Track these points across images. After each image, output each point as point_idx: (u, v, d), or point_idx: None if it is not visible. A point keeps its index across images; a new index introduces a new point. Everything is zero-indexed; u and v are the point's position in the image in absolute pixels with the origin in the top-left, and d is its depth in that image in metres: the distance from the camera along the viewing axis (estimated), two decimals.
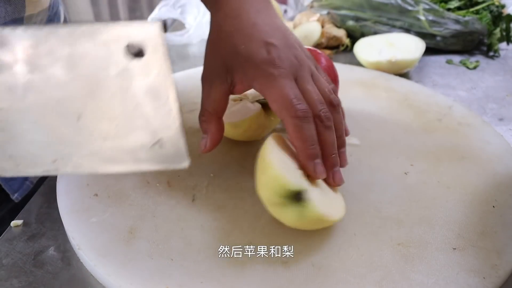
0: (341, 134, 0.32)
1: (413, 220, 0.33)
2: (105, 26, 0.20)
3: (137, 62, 0.21)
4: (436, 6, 0.61)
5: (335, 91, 0.34)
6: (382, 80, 0.52)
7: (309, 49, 0.43)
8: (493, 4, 0.63)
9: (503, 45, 0.63)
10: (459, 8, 0.64)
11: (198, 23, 0.64)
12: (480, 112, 0.48)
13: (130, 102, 0.23)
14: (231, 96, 0.35)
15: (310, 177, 0.30)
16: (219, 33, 0.32)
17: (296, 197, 0.28)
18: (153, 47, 0.20)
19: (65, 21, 0.48)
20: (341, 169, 0.33)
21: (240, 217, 0.33)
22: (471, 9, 0.63)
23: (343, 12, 0.64)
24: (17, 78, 0.22)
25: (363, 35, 0.62)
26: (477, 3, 0.64)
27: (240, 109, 0.38)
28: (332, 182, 0.31)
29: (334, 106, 0.32)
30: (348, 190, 0.36)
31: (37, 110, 0.23)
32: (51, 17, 0.42)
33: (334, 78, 0.43)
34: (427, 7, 0.61)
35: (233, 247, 0.30)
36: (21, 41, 0.21)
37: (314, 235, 0.32)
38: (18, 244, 0.32)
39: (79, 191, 0.35)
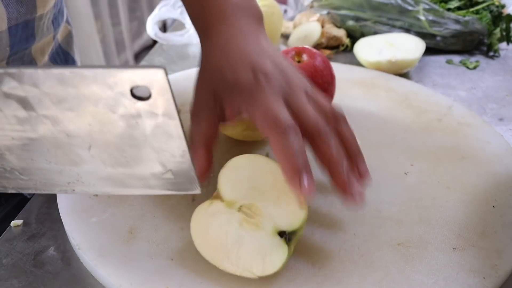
0: (352, 147, 0.30)
1: (413, 220, 0.33)
2: (110, 70, 0.21)
3: (143, 104, 0.22)
4: (436, 6, 0.61)
5: (340, 114, 0.31)
6: (382, 80, 0.52)
7: (303, 48, 0.43)
8: (493, 4, 0.63)
9: (503, 45, 0.63)
10: (459, 8, 0.64)
11: None
12: (480, 112, 0.48)
13: (139, 136, 0.23)
14: None
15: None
16: (207, 63, 0.32)
17: None
18: (158, 90, 0.21)
19: (67, 17, 0.48)
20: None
21: None
22: (471, 9, 0.63)
23: (343, 12, 0.64)
24: (28, 112, 0.23)
25: (363, 35, 0.62)
26: (477, 3, 0.64)
27: None
28: (353, 202, 0.28)
29: (338, 119, 0.30)
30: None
31: (49, 140, 0.24)
32: (56, 15, 0.43)
33: (331, 78, 0.43)
34: (427, 7, 0.61)
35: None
36: (31, 79, 0.21)
37: (314, 236, 0.32)
38: (18, 244, 0.32)
39: None
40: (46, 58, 0.43)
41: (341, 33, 0.63)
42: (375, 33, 0.62)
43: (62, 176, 0.26)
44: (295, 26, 0.67)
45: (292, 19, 0.72)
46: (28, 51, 0.40)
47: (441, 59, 0.60)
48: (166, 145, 0.24)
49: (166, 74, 0.20)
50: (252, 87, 0.29)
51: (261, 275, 0.27)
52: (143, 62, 0.61)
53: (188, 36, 0.64)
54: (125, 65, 0.22)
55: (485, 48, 0.63)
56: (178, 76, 0.52)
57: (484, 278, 0.28)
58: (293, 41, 0.64)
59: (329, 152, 0.28)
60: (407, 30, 0.61)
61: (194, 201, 0.35)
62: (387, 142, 0.41)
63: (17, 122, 0.23)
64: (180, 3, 0.64)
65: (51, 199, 0.36)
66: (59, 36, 0.46)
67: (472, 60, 0.60)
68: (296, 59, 0.43)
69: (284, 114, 0.28)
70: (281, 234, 0.27)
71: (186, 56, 0.63)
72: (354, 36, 0.64)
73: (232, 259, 0.27)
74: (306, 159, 0.27)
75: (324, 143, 0.28)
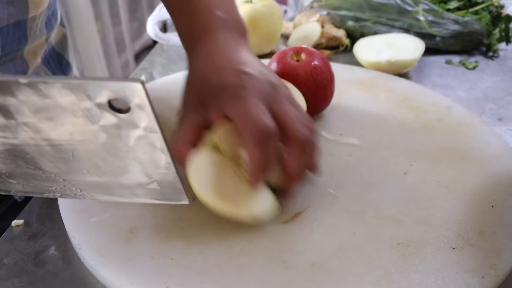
0: (314, 161, 0.33)
1: (412, 220, 0.33)
2: (87, 82, 0.20)
3: (123, 117, 0.21)
4: (435, 7, 0.61)
5: (313, 126, 0.33)
6: (381, 80, 0.52)
7: (301, 48, 0.44)
8: (492, 4, 0.63)
9: (502, 45, 0.64)
10: (458, 9, 0.64)
11: None
12: (479, 112, 0.49)
13: (122, 147, 0.23)
14: None
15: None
16: (194, 72, 0.33)
17: None
18: (137, 104, 0.20)
19: (61, 20, 0.48)
20: (341, 168, 0.34)
21: None
22: (470, 10, 0.63)
23: (342, 12, 0.64)
24: (8, 120, 0.22)
25: (362, 35, 0.62)
26: (476, 4, 0.64)
27: None
28: (290, 196, 0.33)
29: (311, 130, 0.32)
30: (347, 190, 0.36)
31: (32, 147, 0.23)
32: (49, 17, 0.43)
33: (330, 75, 0.43)
34: (426, 7, 0.61)
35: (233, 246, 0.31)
36: (8, 88, 0.21)
37: (314, 235, 0.32)
38: (19, 243, 0.32)
39: None
40: (39, 60, 0.43)
41: (340, 33, 0.63)
42: (374, 33, 0.62)
43: (48, 182, 0.26)
44: (295, 27, 0.67)
45: (292, 19, 0.72)
46: (20, 53, 0.39)
47: (440, 59, 0.60)
48: (150, 156, 0.23)
49: (144, 88, 0.20)
50: (237, 89, 0.30)
51: (257, 216, 0.30)
52: (143, 63, 0.61)
53: None
54: (103, 77, 0.21)
55: (484, 49, 0.63)
56: (177, 76, 0.52)
57: (483, 277, 0.28)
58: (293, 42, 0.64)
59: (301, 162, 0.31)
60: (407, 31, 0.61)
61: (194, 201, 0.35)
62: (386, 142, 0.42)
63: (1, 129, 0.23)
64: None
65: (52, 199, 0.36)
66: (53, 38, 0.46)
67: (471, 60, 0.60)
68: (295, 58, 0.43)
69: (265, 119, 0.29)
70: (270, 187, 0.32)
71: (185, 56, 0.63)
72: (353, 37, 0.64)
73: (231, 201, 0.30)
74: (271, 164, 0.30)
75: (300, 151, 0.31)
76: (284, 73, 0.42)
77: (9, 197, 0.43)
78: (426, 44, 0.58)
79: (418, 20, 0.61)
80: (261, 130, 0.28)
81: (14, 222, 0.34)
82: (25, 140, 0.23)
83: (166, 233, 0.32)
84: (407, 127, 0.44)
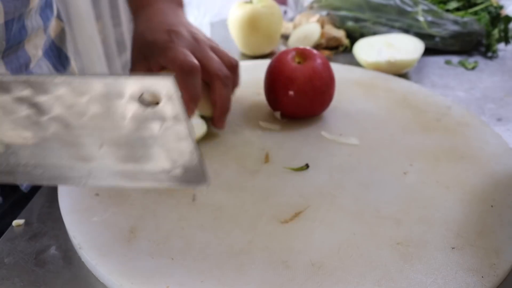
0: (233, 87, 0.41)
1: (412, 219, 0.33)
2: (120, 79, 0.22)
3: (152, 110, 0.23)
4: (434, 7, 0.61)
5: (235, 63, 0.41)
6: (381, 80, 0.52)
7: (304, 49, 0.44)
8: (491, 5, 0.63)
9: (501, 45, 0.64)
10: (457, 9, 0.65)
11: (198, 24, 0.64)
12: (478, 113, 0.49)
13: (148, 137, 0.25)
14: None
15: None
16: (136, 35, 0.41)
17: None
18: (167, 97, 0.22)
19: (59, 13, 0.49)
20: (341, 168, 0.36)
21: (240, 217, 0.33)
22: (470, 10, 0.64)
23: (342, 13, 0.64)
24: (40, 116, 0.24)
25: (362, 35, 0.62)
26: (476, 4, 0.64)
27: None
28: (220, 125, 0.41)
29: (234, 66, 0.40)
30: (347, 189, 0.36)
31: (61, 140, 0.25)
32: (43, 7, 0.44)
33: (329, 80, 0.43)
34: (426, 8, 0.61)
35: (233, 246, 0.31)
36: (42, 86, 0.23)
37: (314, 235, 0.32)
38: (20, 243, 0.33)
39: (80, 191, 0.35)
40: (40, 53, 0.44)
41: (340, 33, 0.63)
42: (374, 33, 0.62)
43: (73, 171, 0.27)
44: (295, 27, 0.67)
45: (292, 20, 0.72)
46: (21, 45, 0.40)
47: (439, 59, 0.60)
48: (175, 145, 0.25)
49: (175, 82, 0.22)
50: (166, 43, 0.38)
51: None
52: None
53: None
54: (135, 74, 0.23)
55: (483, 49, 0.63)
56: None
57: (482, 277, 0.29)
58: (293, 42, 0.64)
59: (223, 93, 0.39)
60: (406, 31, 0.61)
61: (194, 201, 0.35)
62: (386, 142, 0.42)
63: (30, 124, 0.25)
64: None
65: (53, 198, 0.36)
66: (52, 32, 0.47)
67: (471, 60, 0.60)
68: (297, 59, 0.43)
69: (190, 58, 0.37)
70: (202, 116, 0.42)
71: None
72: (353, 37, 0.64)
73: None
74: (200, 94, 0.38)
75: (219, 87, 0.39)
76: (283, 74, 0.42)
77: (11, 195, 0.43)
78: (425, 44, 0.59)
79: (417, 20, 0.61)
80: (188, 65, 0.36)
81: (15, 222, 0.34)
82: (55, 133, 0.25)
83: (166, 233, 0.32)
84: (407, 127, 0.44)
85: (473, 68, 0.58)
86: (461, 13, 0.63)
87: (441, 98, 0.48)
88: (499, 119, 0.48)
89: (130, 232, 0.32)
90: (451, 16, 0.61)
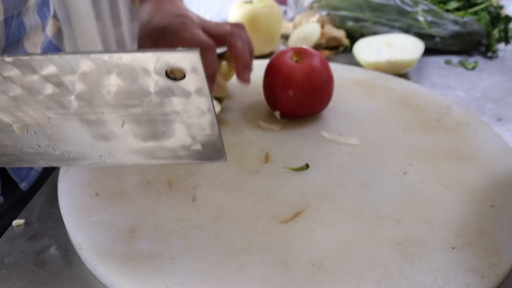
0: (250, 47, 0.44)
1: (412, 219, 0.33)
2: (147, 54, 0.22)
3: (177, 84, 0.24)
4: (434, 7, 0.61)
5: (241, 24, 0.44)
6: (381, 80, 0.52)
7: (301, 48, 0.44)
8: (491, 5, 0.63)
9: (501, 45, 0.64)
10: (457, 9, 0.65)
11: None
12: (478, 112, 0.49)
13: (170, 112, 0.25)
14: None
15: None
16: (144, 22, 0.43)
17: None
18: (192, 70, 0.23)
19: (55, 13, 0.49)
20: (341, 168, 0.36)
21: (240, 217, 0.33)
22: (470, 10, 0.64)
23: (342, 13, 0.64)
24: (65, 95, 0.24)
25: (362, 35, 0.62)
26: (476, 4, 0.64)
27: None
28: (243, 78, 0.43)
29: (239, 26, 0.43)
30: (347, 189, 0.36)
31: (84, 118, 0.26)
32: (40, 6, 0.44)
33: (328, 78, 0.43)
34: (426, 8, 0.61)
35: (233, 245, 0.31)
36: (69, 64, 0.23)
37: (314, 235, 0.32)
38: (20, 243, 0.33)
39: (80, 191, 0.35)
40: (39, 51, 0.44)
41: (340, 33, 0.63)
42: (374, 33, 0.62)
43: (94, 149, 0.27)
44: (295, 27, 0.67)
45: (292, 20, 0.72)
46: (21, 43, 0.40)
47: (439, 59, 0.60)
48: (197, 119, 0.25)
49: (201, 56, 0.22)
50: (180, 26, 0.41)
51: None
52: None
53: None
54: (163, 49, 0.23)
55: (483, 49, 0.63)
56: None
57: (482, 277, 0.29)
58: (293, 42, 0.64)
59: (240, 46, 0.42)
60: (406, 31, 0.61)
61: (194, 201, 0.35)
62: (386, 142, 0.42)
63: (54, 103, 0.25)
64: None
65: (53, 198, 0.36)
66: (49, 31, 0.47)
67: (471, 60, 0.60)
68: (294, 58, 0.43)
69: (206, 37, 0.41)
70: (216, 98, 0.44)
71: None
72: (353, 37, 0.64)
73: None
74: (216, 71, 0.42)
75: (235, 41, 0.42)
76: (281, 73, 0.42)
77: (11, 194, 0.43)
78: (425, 44, 0.59)
79: (417, 20, 0.61)
80: (205, 43, 0.40)
81: (15, 222, 0.34)
82: (79, 113, 0.25)
83: (166, 232, 0.32)
84: (407, 127, 0.44)
85: (473, 68, 0.58)
86: (461, 13, 0.63)
87: (441, 98, 0.48)
88: (499, 119, 0.48)
89: (130, 232, 0.32)
90: (451, 16, 0.61)
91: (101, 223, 0.33)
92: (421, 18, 0.61)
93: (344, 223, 0.33)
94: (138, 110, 0.25)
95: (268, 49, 0.62)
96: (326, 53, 0.62)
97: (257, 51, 0.62)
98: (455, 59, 0.60)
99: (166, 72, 0.23)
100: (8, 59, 0.23)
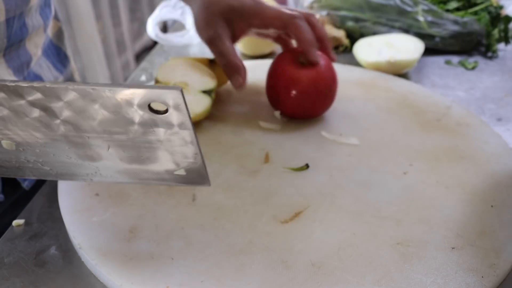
0: (321, 32, 0.44)
1: (412, 219, 0.33)
2: (130, 90, 0.23)
3: (160, 117, 0.24)
4: (434, 7, 0.61)
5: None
6: (381, 80, 0.52)
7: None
8: (491, 5, 0.63)
9: (501, 45, 0.64)
10: (457, 9, 0.64)
11: None
12: (478, 112, 0.49)
13: (154, 141, 0.26)
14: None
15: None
16: (212, 3, 0.42)
17: None
18: (174, 106, 0.24)
19: (56, 13, 0.49)
20: (341, 168, 0.36)
21: (240, 217, 0.33)
22: (470, 10, 0.64)
23: (342, 13, 0.64)
24: (51, 118, 0.25)
25: (362, 35, 0.62)
26: (476, 4, 0.64)
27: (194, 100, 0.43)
28: (312, 57, 0.41)
29: (310, 14, 0.44)
30: (347, 189, 0.36)
31: (70, 141, 0.26)
32: (43, 7, 0.44)
33: (333, 80, 0.43)
34: (426, 8, 0.61)
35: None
36: (55, 93, 0.24)
37: (314, 235, 0.32)
38: (20, 243, 0.33)
39: (80, 191, 0.35)
40: (40, 52, 0.44)
41: (340, 33, 0.63)
42: (374, 33, 0.62)
43: (81, 168, 0.28)
44: None
45: None
46: (23, 43, 0.41)
47: (439, 59, 0.60)
48: (180, 148, 0.26)
49: (182, 93, 0.23)
50: (258, 6, 0.42)
51: (197, 111, 0.42)
52: (144, 63, 0.61)
53: (189, 37, 0.64)
54: (147, 85, 0.24)
55: (483, 49, 0.63)
56: None
57: (482, 277, 0.29)
58: (293, 42, 0.64)
59: (317, 27, 0.43)
60: (406, 31, 0.61)
61: (194, 201, 0.35)
62: (386, 142, 0.42)
63: (41, 125, 0.26)
64: (181, 4, 0.64)
65: (53, 198, 0.36)
66: (50, 32, 0.47)
67: (471, 60, 0.60)
68: (301, 59, 0.43)
69: (287, 12, 0.42)
70: (204, 92, 0.43)
71: (186, 56, 0.63)
72: (353, 37, 0.64)
73: None
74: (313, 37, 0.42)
75: (299, 22, 0.42)
76: (286, 74, 0.42)
77: (11, 193, 0.43)
78: (425, 44, 0.59)
79: (417, 20, 0.61)
80: (294, 15, 0.41)
81: (15, 222, 0.34)
82: (64, 135, 0.26)
83: (166, 233, 0.32)
84: (407, 127, 0.44)
85: (473, 68, 0.58)
86: (461, 13, 0.63)
87: (441, 98, 0.48)
88: (499, 119, 0.48)
89: (130, 232, 0.32)
90: (451, 16, 0.61)
91: (101, 223, 0.33)
92: (421, 18, 0.61)
93: (344, 223, 0.33)
94: (122, 136, 0.26)
95: (268, 49, 0.62)
96: None
97: (257, 51, 0.62)
98: (455, 59, 0.60)
99: (149, 105, 0.24)
100: None
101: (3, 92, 0.24)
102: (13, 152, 0.27)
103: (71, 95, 0.24)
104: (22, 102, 0.24)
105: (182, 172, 0.28)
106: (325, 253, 0.30)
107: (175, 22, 0.78)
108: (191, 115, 0.42)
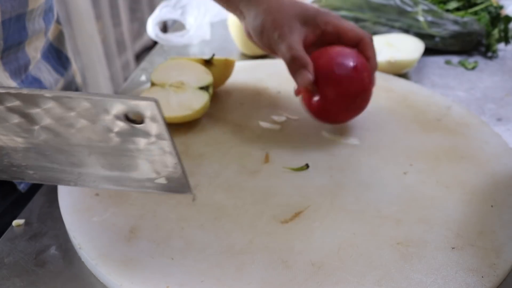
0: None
1: (412, 219, 0.33)
2: (107, 99, 0.23)
3: (137, 126, 0.24)
4: (434, 7, 0.61)
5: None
6: (381, 80, 0.52)
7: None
8: (491, 5, 0.63)
9: (501, 45, 0.64)
10: (457, 9, 0.64)
11: (198, 24, 0.64)
12: (478, 112, 0.49)
13: (134, 149, 0.26)
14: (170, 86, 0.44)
15: None
16: (286, 5, 0.41)
17: None
18: (151, 117, 0.23)
19: (58, 17, 0.49)
20: (341, 168, 0.35)
21: (240, 217, 0.33)
22: (470, 10, 0.64)
23: (342, 13, 0.64)
24: (31, 124, 0.25)
25: None
26: (476, 4, 0.64)
27: (189, 97, 0.43)
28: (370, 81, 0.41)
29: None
30: (347, 189, 0.36)
31: (51, 146, 0.27)
32: (47, 11, 0.44)
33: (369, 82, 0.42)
34: (426, 8, 0.61)
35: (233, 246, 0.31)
36: (32, 100, 0.24)
37: (314, 235, 0.32)
38: (20, 243, 0.33)
39: (80, 191, 0.35)
40: (39, 55, 0.44)
41: None
42: (374, 33, 0.62)
43: (64, 173, 0.28)
44: None
45: None
46: (22, 46, 0.40)
47: (440, 59, 0.60)
48: (159, 157, 0.26)
49: (158, 105, 0.23)
50: (331, 14, 0.42)
51: (196, 108, 0.42)
52: (144, 63, 0.61)
53: (189, 37, 0.64)
54: (122, 96, 0.24)
55: (483, 49, 0.63)
56: None
57: (482, 277, 0.29)
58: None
59: (374, 53, 0.43)
60: (406, 31, 0.61)
61: (195, 201, 0.35)
62: (386, 142, 0.42)
63: (21, 131, 0.26)
64: (181, 4, 0.64)
65: (53, 198, 0.36)
66: (50, 35, 0.47)
67: (471, 60, 0.60)
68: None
69: (360, 29, 0.42)
70: (201, 88, 0.44)
71: (186, 56, 0.63)
72: None
73: (175, 107, 0.42)
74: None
75: (371, 41, 0.42)
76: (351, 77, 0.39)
77: (10, 194, 0.43)
78: (425, 44, 0.59)
79: (417, 20, 0.61)
80: (366, 33, 0.42)
81: (15, 222, 0.34)
82: (45, 141, 0.26)
83: (166, 233, 0.32)
84: (407, 127, 0.44)
85: (473, 68, 0.58)
86: (461, 13, 0.63)
87: (441, 98, 0.48)
88: (499, 119, 0.48)
89: (130, 232, 0.32)
90: (451, 16, 0.61)
91: (101, 223, 0.33)
92: (421, 18, 0.61)
93: (344, 223, 0.33)
94: (102, 144, 0.26)
95: None
96: None
97: (257, 51, 0.62)
98: (455, 59, 0.60)
99: (126, 115, 0.24)
100: None
101: None
102: None
103: (48, 103, 0.24)
104: (1, 107, 0.24)
105: (163, 180, 0.28)
106: (325, 253, 0.30)
107: (175, 22, 0.78)
108: (191, 112, 0.42)
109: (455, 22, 0.61)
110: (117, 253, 0.30)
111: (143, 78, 0.57)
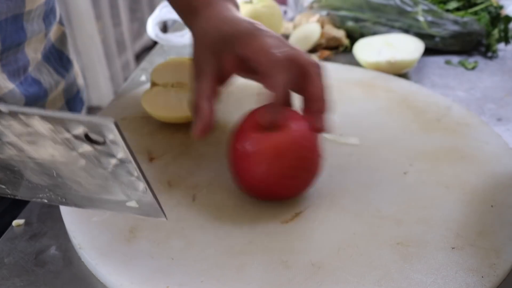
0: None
1: (412, 219, 0.33)
2: (63, 119, 0.22)
3: (100, 147, 0.23)
4: (434, 7, 0.61)
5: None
6: (381, 80, 0.52)
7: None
8: (491, 5, 0.63)
9: (501, 45, 0.64)
10: (457, 9, 0.64)
11: None
12: (478, 112, 0.49)
13: (101, 171, 0.24)
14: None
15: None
16: (204, 32, 0.37)
17: None
18: (111, 139, 0.22)
19: (61, 18, 0.49)
20: (341, 168, 0.35)
21: (240, 217, 0.33)
22: (470, 10, 0.64)
23: (342, 13, 0.64)
24: (15, 140, 0.24)
25: (362, 35, 0.62)
26: (476, 4, 0.64)
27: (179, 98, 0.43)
28: (320, 125, 0.35)
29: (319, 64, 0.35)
30: (347, 189, 0.36)
31: (17, 162, 0.25)
32: (47, 13, 0.43)
33: (309, 147, 0.34)
34: (426, 8, 0.61)
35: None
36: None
37: (314, 235, 0.32)
38: (20, 243, 0.33)
39: None
40: (39, 57, 0.44)
41: (340, 33, 0.63)
42: (374, 33, 0.62)
43: (35, 190, 0.27)
44: (295, 27, 0.67)
45: (292, 20, 0.72)
46: (21, 47, 0.40)
47: (439, 59, 0.60)
48: (128, 180, 0.25)
49: (117, 125, 0.21)
50: (252, 31, 0.34)
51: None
52: (144, 63, 0.61)
53: (189, 37, 0.64)
54: (79, 115, 0.22)
55: (483, 49, 0.63)
56: None
57: (482, 277, 0.29)
58: (293, 42, 0.64)
59: (321, 83, 0.34)
60: (406, 31, 0.61)
61: (195, 201, 0.35)
62: (386, 142, 0.42)
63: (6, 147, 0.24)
64: None
65: None
66: (52, 36, 0.47)
67: (471, 60, 0.60)
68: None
69: (280, 48, 0.33)
70: None
71: (186, 56, 0.63)
72: (353, 37, 0.64)
73: (177, 108, 0.42)
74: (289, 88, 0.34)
75: (319, 73, 0.34)
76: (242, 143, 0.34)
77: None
78: (425, 44, 0.58)
79: (417, 20, 0.61)
80: (279, 56, 0.32)
81: (15, 222, 0.34)
82: (11, 156, 0.25)
83: (166, 233, 0.32)
84: (407, 127, 0.44)
85: (473, 68, 0.58)
86: (461, 13, 0.63)
87: (441, 98, 0.48)
88: (499, 119, 0.48)
89: (130, 232, 0.32)
90: (451, 16, 0.61)
91: (101, 223, 0.33)
92: (421, 18, 0.61)
93: (344, 223, 0.33)
94: (67, 163, 0.24)
95: None
96: (326, 53, 0.62)
97: None
98: (455, 59, 0.60)
99: (86, 135, 0.22)
100: None
101: None
102: None
103: (5, 118, 0.22)
104: None
105: (134, 204, 0.26)
106: (325, 253, 0.30)
107: (175, 22, 0.78)
108: (184, 115, 0.41)
109: (455, 22, 0.61)
110: (117, 253, 0.30)
111: (143, 78, 0.57)
